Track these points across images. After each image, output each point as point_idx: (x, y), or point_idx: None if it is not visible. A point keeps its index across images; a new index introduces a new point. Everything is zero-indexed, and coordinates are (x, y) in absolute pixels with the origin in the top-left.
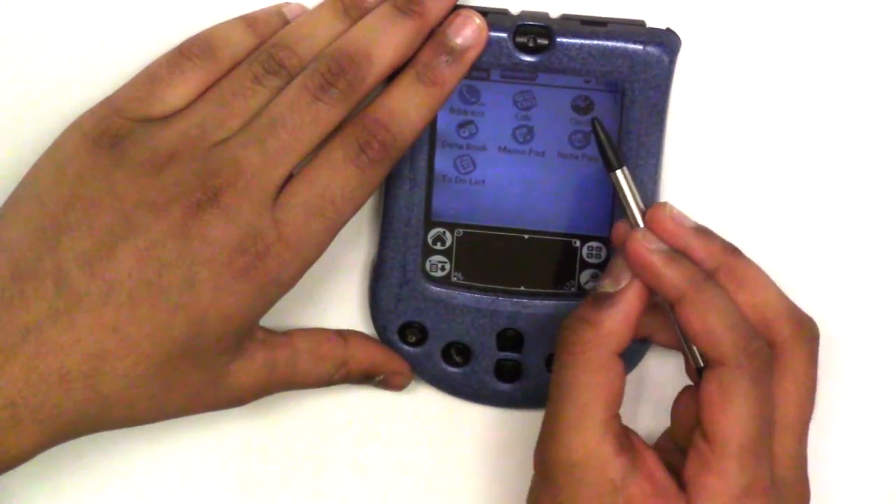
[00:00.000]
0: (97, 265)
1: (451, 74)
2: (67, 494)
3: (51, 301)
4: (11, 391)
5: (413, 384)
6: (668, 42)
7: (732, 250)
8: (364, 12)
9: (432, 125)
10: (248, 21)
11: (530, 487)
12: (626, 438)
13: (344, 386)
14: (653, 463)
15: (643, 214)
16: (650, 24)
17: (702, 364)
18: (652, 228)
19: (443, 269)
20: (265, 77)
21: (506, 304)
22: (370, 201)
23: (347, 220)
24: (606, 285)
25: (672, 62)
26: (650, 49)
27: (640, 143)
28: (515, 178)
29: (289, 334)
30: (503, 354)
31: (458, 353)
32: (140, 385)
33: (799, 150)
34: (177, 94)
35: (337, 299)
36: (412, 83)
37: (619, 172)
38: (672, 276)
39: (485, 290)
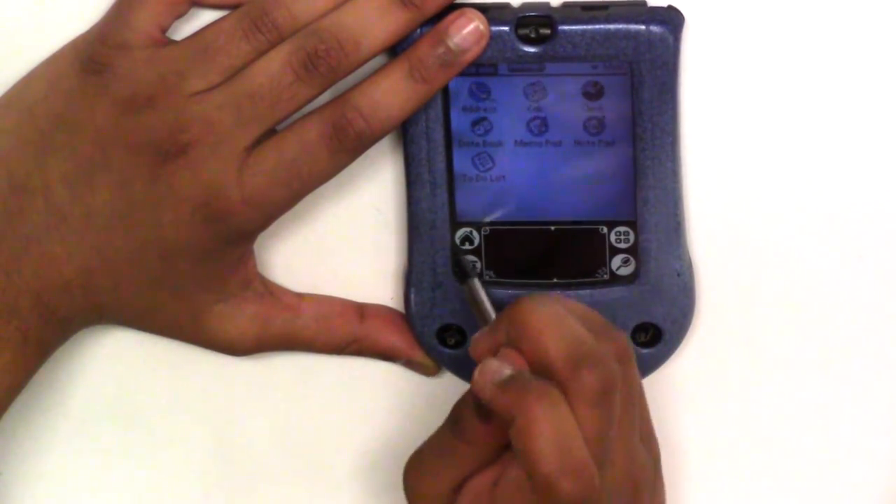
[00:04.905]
0: (79, 189)
1: (443, 75)
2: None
3: (43, 215)
4: (32, 292)
5: (454, 383)
6: (670, 20)
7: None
8: None
9: (446, 126)
10: None
11: None
12: None
13: (383, 377)
14: None
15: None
16: (651, 3)
17: None
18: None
19: (474, 268)
20: (253, 35)
21: None
22: (395, 208)
23: (311, 191)
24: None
25: (677, 39)
26: (653, 28)
27: (653, 122)
28: (535, 170)
29: (299, 296)
30: None
31: None
32: (125, 300)
33: (815, 119)
34: (149, 23)
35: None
36: (403, 78)
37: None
38: (503, 402)
39: (518, 286)
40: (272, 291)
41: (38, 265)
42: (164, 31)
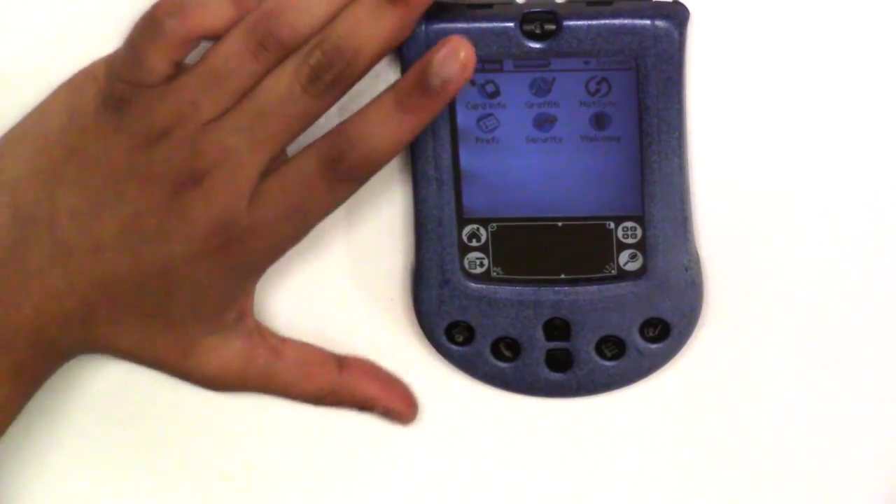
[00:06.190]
0: (86, 222)
1: (431, 104)
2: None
3: (47, 248)
4: (30, 328)
5: (462, 381)
6: (675, 14)
7: None
8: None
9: (452, 122)
10: None
11: None
12: None
13: None
14: None
15: None
16: None
17: None
18: None
19: (481, 265)
20: (260, 52)
21: (548, 294)
22: (402, 205)
23: (316, 224)
24: None
25: (682, 34)
26: (658, 23)
27: (659, 117)
28: (542, 166)
29: (282, 340)
30: (552, 344)
31: (507, 347)
32: (123, 331)
33: (822, 111)
34: (163, 62)
35: (382, 307)
36: (391, 110)
37: None
38: None
39: (526, 282)
40: (260, 330)
41: (38, 300)
42: (178, 65)
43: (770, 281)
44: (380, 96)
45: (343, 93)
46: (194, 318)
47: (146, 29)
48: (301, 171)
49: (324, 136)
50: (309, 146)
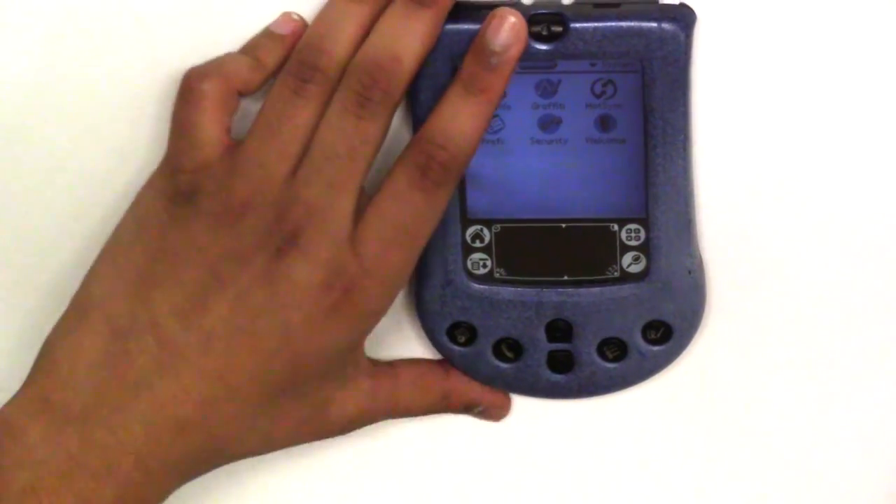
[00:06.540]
0: (192, 317)
1: (496, 79)
2: None
3: (154, 355)
4: (136, 446)
5: None
6: (682, 17)
7: None
8: None
9: None
10: (246, 52)
11: None
12: None
13: None
14: None
15: None
16: (664, 0)
17: None
18: None
19: (484, 266)
20: (302, 87)
21: (551, 295)
22: None
23: (426, 241)
24: None
25: (689, 37)
26: (665, 25)
27: (665, 120)
28: (546, 167)
29: (392, 364)
30: (554, 346)
31: (508, 348)
32: (249, 424)
33: (828, 116)
34: (214, 128)
35: None
36: (461, 97)
37: None
38: None
39: (529, 283)
40: (373, 363)
41: (147, 413)
42: (229, 131)
43: (772, 285)
44: (447, 91)
45: (396, 105)
46: (321, 380)
47: (186, 101)
48: (394, 191)
49: (406, 150)
50: (395, 164)
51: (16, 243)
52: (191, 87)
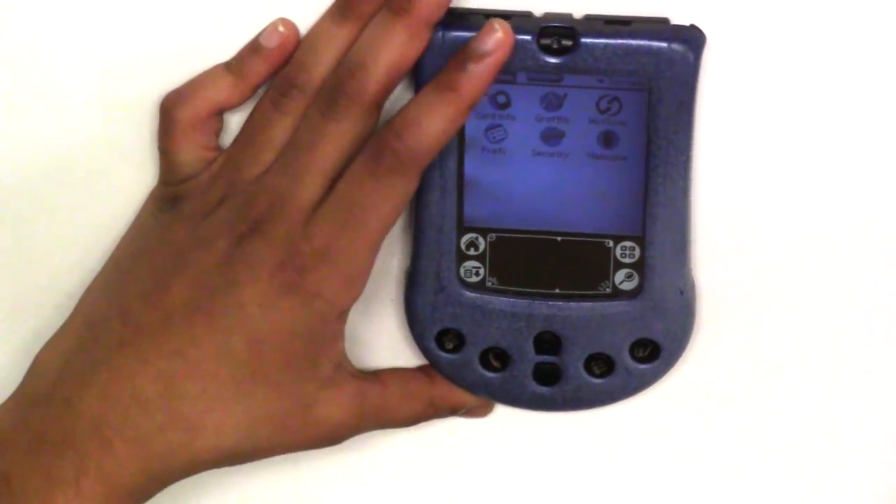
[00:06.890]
0: (154, 297)
1: (468, 82)
2: None
3: (118, 333)
4: (91, 415)
5: None
6: (692, 39)
7: None
8: (360, 12)
9: (460, 130)
10: (230, 68)
11: None
12: None
13: None
14: None
15: None
16: (674, 21)
17: None
18: None
19: (477, 274)
20: (280, 101)
21: (542, 308)
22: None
23: (378, 233)
24: None
25: (697, 59)
26: (675, 46)
27: (668, 140)
28: (546, 180)
29: (377, 372)
30: (541, 358)
31: (495, 358)
32: (219, 408)
33: (829, 142)
34: (191, 150)
35: (373, 309)
36: (430, 93)
37: None
38: None
39: (520, 294)
40: (358, 370)
41: (104, 385)
42: (211, 147)
43: (764, 308)
44: (422, 88)
45: (368, 107)
46: (294, 373)
47: (161, 128)
48: (349, 176)
49: (371, 138)
50: (357, 154)
51: (18, 252)
52: (164, 114)
